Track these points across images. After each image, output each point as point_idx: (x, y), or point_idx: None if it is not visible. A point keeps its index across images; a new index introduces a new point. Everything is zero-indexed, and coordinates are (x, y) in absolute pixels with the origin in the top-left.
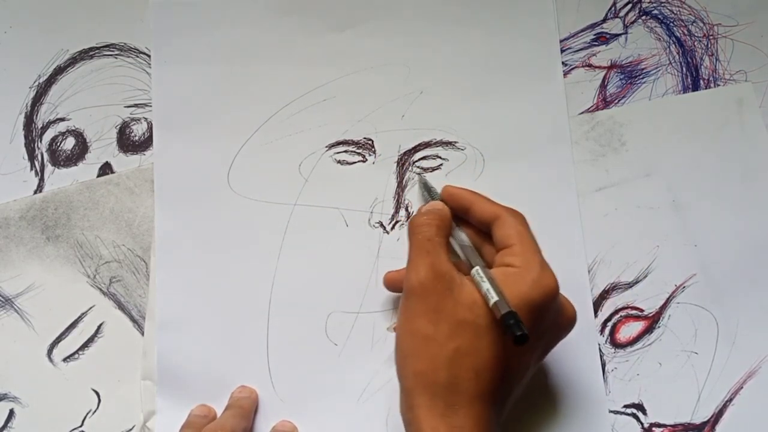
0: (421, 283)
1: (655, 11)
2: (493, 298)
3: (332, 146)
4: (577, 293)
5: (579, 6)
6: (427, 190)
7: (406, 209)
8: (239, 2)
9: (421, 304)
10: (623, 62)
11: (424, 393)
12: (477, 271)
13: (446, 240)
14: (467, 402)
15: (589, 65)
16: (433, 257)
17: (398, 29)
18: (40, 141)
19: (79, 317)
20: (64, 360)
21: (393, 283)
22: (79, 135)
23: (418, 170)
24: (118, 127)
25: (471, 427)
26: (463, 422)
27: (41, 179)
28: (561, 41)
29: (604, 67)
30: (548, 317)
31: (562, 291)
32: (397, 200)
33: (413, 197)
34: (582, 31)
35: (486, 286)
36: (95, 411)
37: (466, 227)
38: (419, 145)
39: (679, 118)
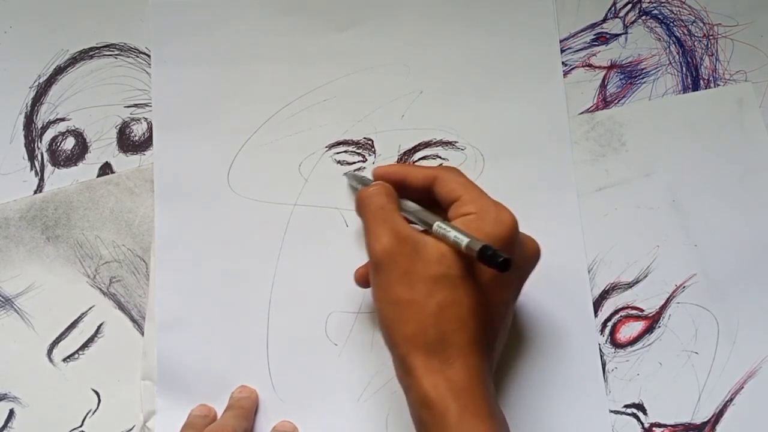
0: (386, 250)
1: (655, 11)
2: (464, 240)
3: (332, 146)
4: (577, 293)
5: (579, 6)
6: (359, 180)
7: None
8: (239, 2)
9: (392, 270)
10: (623, 62)
11: (418, 355)
12: (438, 224)
13: (398, 207)
14: (460, 353)
15: (589, 65)
16: (390, 223)
17: (398, 29)
18: (40, 141)
19: (79, 317)
20: (64, 360)
21: (365, 278)
22: (79, 135)
23: (344, 172)
24: (118, 127)
25: (468, 376)
26: (460, 374)
27: (41, 179)
28: (561, 41)
29: (604, 67)
30: (515, 252)
31: (561, 290)
32: None
33: None
34: (582, 31)
35: (453, 233)
36: (95, 411)
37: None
38: (419, 145)
39: (679, 118)
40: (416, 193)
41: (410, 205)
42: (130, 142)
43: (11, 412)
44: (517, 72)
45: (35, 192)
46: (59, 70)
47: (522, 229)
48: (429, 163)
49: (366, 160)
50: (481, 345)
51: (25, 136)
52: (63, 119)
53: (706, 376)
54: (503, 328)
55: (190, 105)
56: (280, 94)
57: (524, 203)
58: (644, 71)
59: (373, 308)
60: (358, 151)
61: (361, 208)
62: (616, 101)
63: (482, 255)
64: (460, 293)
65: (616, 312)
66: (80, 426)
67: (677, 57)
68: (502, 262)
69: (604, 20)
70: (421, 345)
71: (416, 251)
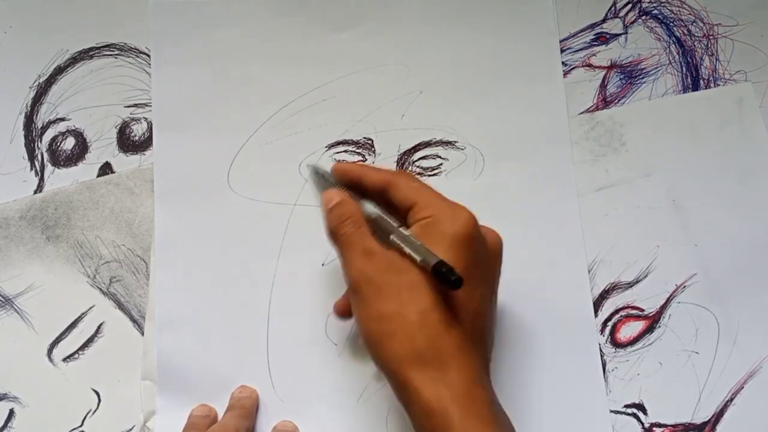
0: (360, 270)
1: (655, 11)
2: (418, 257)
3: (332, 146)
4: (577, 293)
5: (579, 6)
6: (321, 176)
7: None
8: (239, 2)
9: (368, 289)
10: (623, 62)
11: (411, 366)
12: (393, 238)
13: (364, 226)
14: (452, 357)
15: (589, 65)
16: (360, 245)
17: (398, 29)
18: (40, 141)
19: (79, 317)
20: (64, 360)
21: (344, 309)
22: (79, 135)
23: (307, 163)
24: (118, 127)
25: (465, 380)
26: (457, 379)
27: (41, 179)
28: (561, 41)
29: (604, 67)
30: (478, 246)
31: (561, 290)
32: None
33: None
34: (582, 31)
35: (407, 249)
36: (95, 411)
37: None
38: (419, 144)
39: (679, 118)
40: (372, 195)
41: (371, 210)
42: (130, 142)
43: (11, 412)
44: (517, 72)
45: (35, 192)
46: (59, 70)
47: (522, 229)
48: (429, 163)
49: (366, 159)
50: (471, 345)
51: (25, 136)
52: (63, 119)
53: (706, 376)
54: (489, 324)
55: (190, 105)
56: (280, 94)
57: (524, 203)
58: (644, 71)
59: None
60: (358, 151)
61: (332, 241)
62: (616, 101)
63: (436, 273)
64: (437, 296)
65: (617, 312)
66: (80, 426)
67: (677, 57)
68: (454, 280)
69: (604, 20)
70: (411, 356)
71: (388, 265)
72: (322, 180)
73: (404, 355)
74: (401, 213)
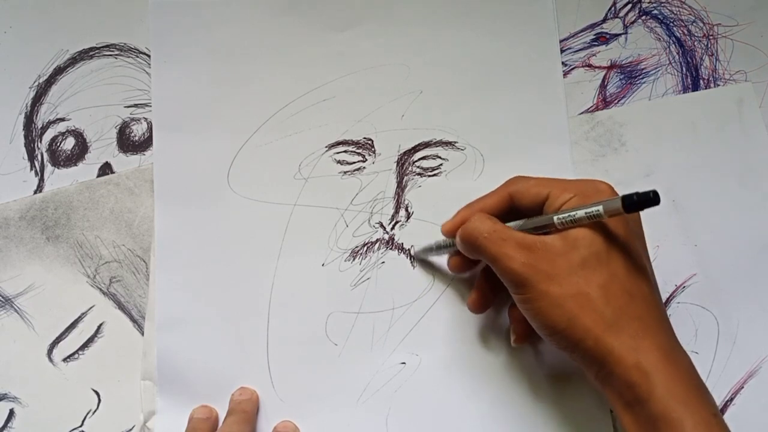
0: (524, 263)
1: (655, 11)
2: (599, 208)
3: (332, 146)
4: None
5: (579, 6)
6: (437, 248)
7: (406, 209)
8: (239, 2)
9: (539, 279)
10: (623, 62)
11: (606, 340)
12: (558, 217)
13: (504, 225)
14: (644, 323)
15: (589, 65)
16: (511, 239)
17: (398, 29)
18: (40, 141)
19: (79, 317)
20: (64, 360)
21: (479, 304)
22: (79, 135)
23: (413, 253)
24: (118, 127)
25: (665, 343)
26: (655, 344)
27: (41, 179)
28: (561, 41)
29: (604, 67)
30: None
31: None
32: (397, 200)
33: (413, 197)
34: (582, 31)
35: (581, 212)
36: (95, 411)
37: None
38: (419, 145)
39: (679, 118)
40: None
41: (512, 223)
42: (130, 142)
43: (11, 412)
44: (517, 72)
45: (35, 192)
46: (59, 70)
47: None
48: (429, 163)
49: (366, 160)
50: (658, 309)
51: (25, 136)
52: (63, 119)
53: (706, 376)
54: (657, 286)
55: (190, 105)
56: (280, 94)
57: None
58: (644, 71)
59: (373, 309)
60: (358, 151)
61: (475, 244)
62: (616, 101)
63: (629, 203)
64: (612, 266)
65: None
66: (80, 426)
67: (677, 57)
68: (653, 196)
69: (604, 20)
70: (604, 329)
71: (550, 251)
72: (442, 250)
73: (596, 330)
74: (533, 215)
